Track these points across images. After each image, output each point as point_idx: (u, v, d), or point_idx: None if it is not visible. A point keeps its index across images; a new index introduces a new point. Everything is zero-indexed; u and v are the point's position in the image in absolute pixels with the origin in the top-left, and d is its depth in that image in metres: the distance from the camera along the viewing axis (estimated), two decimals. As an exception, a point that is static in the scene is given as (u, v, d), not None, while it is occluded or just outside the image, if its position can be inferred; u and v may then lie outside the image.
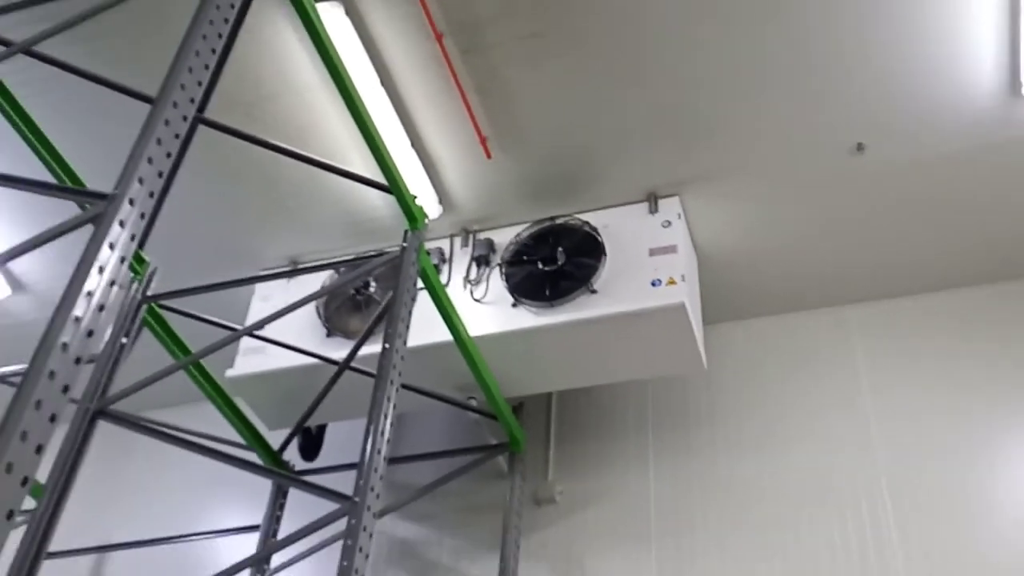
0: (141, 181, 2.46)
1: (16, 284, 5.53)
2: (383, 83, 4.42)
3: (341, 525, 3.25)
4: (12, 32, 3.45)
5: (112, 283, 2.31)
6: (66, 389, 2.13)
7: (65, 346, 2.12)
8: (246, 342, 4.85)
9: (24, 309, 5.70)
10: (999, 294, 5.13)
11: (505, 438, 5.08)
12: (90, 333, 2.23)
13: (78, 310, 2.19)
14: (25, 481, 1.99)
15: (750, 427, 5.10)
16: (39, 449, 2.04)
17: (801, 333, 5.36)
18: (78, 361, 2.19)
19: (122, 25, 4.02)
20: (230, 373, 4.82)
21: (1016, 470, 4.60)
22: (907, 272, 5.22)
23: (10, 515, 1.95)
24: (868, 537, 4.56)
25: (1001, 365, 4.90)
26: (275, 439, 5.10)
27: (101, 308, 2.27)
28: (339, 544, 4.47)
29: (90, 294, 2.23)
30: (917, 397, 4.92)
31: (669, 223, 4.76)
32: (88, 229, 2.41)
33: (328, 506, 3.38)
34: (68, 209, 4.04)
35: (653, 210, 4.84)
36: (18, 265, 5.41)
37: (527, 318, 4.60)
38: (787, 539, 4.66)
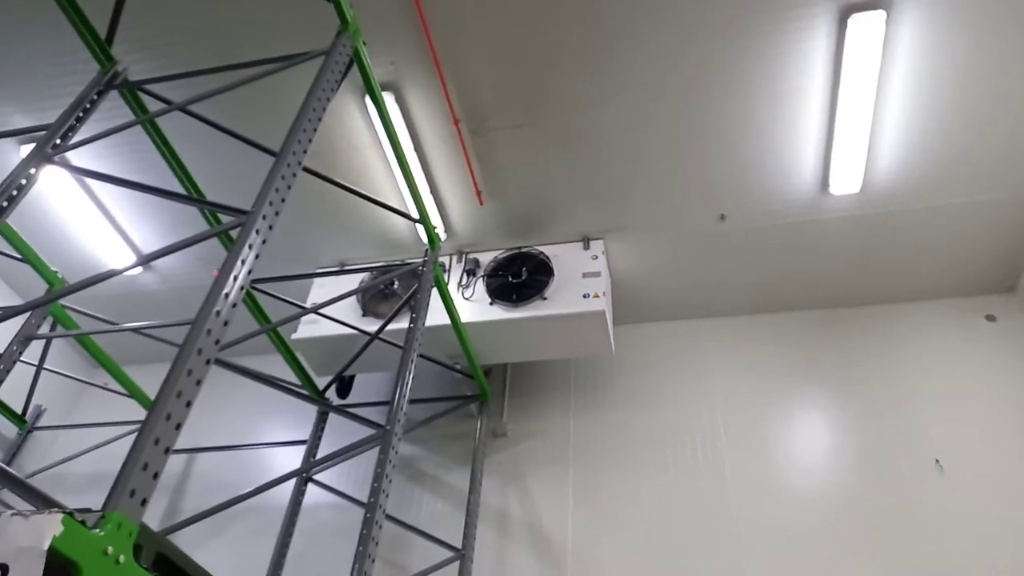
0: (271, 203, 2.49)
1: (146, 265, 5.42)
2: (416, 148, 4.47)
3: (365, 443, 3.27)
4: (170, 93, 3.44)
5: (249, 272, 2.33)
6: (217, 342, 2.16)
7: (218, 313, 2.16)
8: (307, 316, 4.83)
9: (149, 282, 5.58)
10: (804, 317, 5.30)
11: (477, 391, 5.12)
12: (234, 305, 2.27)
13: (227, 288, 2.22)
14: (189, 404, 2.01)
15: (638, 392, 5.18)
16: (198, 382, 2.06)
17: (675, 334, 5.44)
18: (226, 324, 2.22)
19: (248, 93, 4.02)
20: (295, 336, 4.78)
21: (799, 430, 4.77)
22: (745, 299, 5.33)
23: (178, 426, 1.97)
24: (711, 461, 4.70)
25: (799, 362, 5.06)
26: (320, 384, 5.08)
27: (241, 288, 2.30)
28: (361, 457, 4.52)
29: (236, 277, 2.26)
30: (744, 379, 5.05)
31: (596, 256, 4.83)
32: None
33: (358, 431, 3.36)
34: (189, 221, 4.00)
35: (586, 247, 4.91)
36: (147, 248, 5.29)
37: (499, 313, 4.64)
38: (658, 463, 4.75)
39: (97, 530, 1.53)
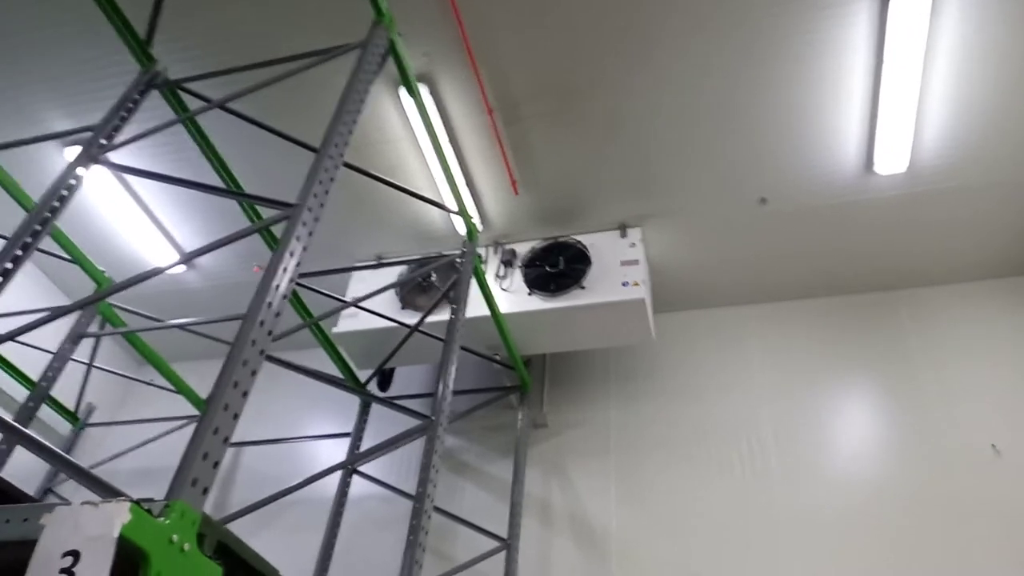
0: (315, 195, 2.51)
1: (189, 263, 5.51)
2: (450, 139, 4.46)
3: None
4: (205, 91, 3.49)
5: (298, 264, 2.35)
6: (270, 333, 2.18)
7: (270, 304, 2.18)
8: (347, 309, 4.88)
9: (191, 279, 5.67)
10: (849, 301, 5.19)
11: (517, 382, 5.11)
12: (284, 296, 2.28)
13: (277, 280, 2.24)
14: (245, 394, 2.04)
15: (679, 381, 5.13)
16: (253, 373, 2.09)
17: (716, 321, 5.37)
18: (277, 315, 2.24)
19: (286, 90, 4.06)
20: (336, 330, 4.82)
21: (844, 417, 4.68)
22: (787, 284, 5.23)
23: (235, 416, 2.00)
24: (755, 449, 4.65)
25: (845, 347, 4.97)
26: (361, 377, 5.12)
27: (291, 280, 2.32)
28: (405, 448, 4.56)
29: (285, 269, 2.28)
30: (788, 366, 4.98)
31: (634, 244, 4.78)
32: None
33: (399, 423, 3.37)
34: (228, 219, 4.04)
35: (623, 235, 4.86)
36: (190, 247, 5.35)
37: (538, 303, 4.62)
38: (701, 454, 4.71)
39: (163, 519, 1.56)
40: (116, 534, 1.41)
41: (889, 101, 4.01)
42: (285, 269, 2.25)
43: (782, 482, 4.47)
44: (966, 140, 4.18)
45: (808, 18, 3.75)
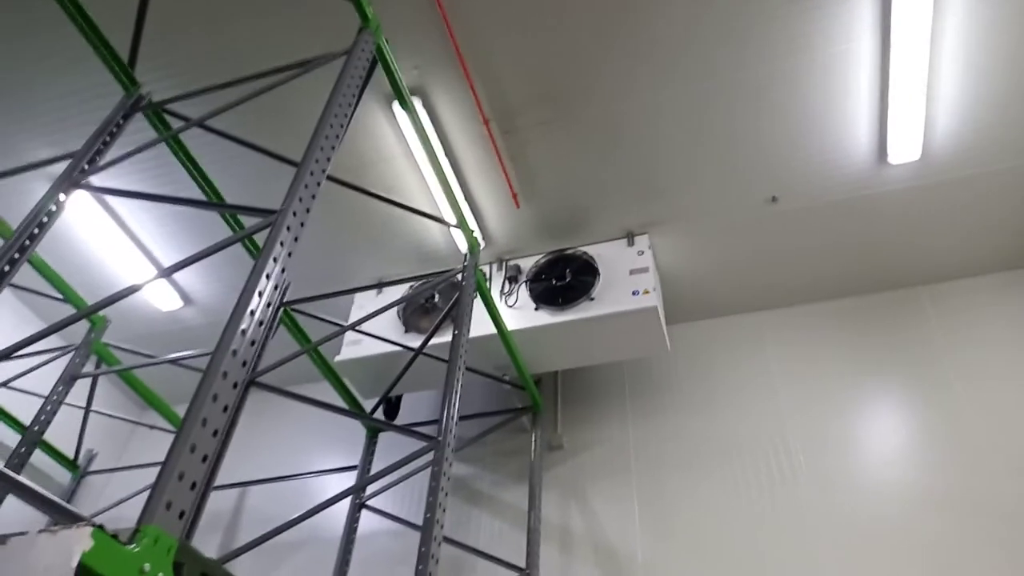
0: (300, 200, 2.37)
1: (186, 298, 5.36)
2: (446, 153, 4.36)
3: (418, 465, 3.07)
4: (190, 110, 3.41)
5: (276, 287, 2.16)
6: (244, 364, 2.00)
7: (244, 332, 2.00)
8: (349, 335, 4.74)
9: (190, 316, 5.53)
10: (871, 301, 5.02)
11: (529, 403, 4.94)
12: (260, 323, 2.09)
13: (252, 305, 2.06)
14: (215, 433, 1.84)
15: (698, 393, 4.95)
16: (226, 408, 1.89)
17: (732, 329, 5.20)
18: (252, 343, 2.04)
19: (274, 105, 3.99)
20: (338, 358, 4.68)
21: (872, 422, 4.47)
22: (804, 286, 5.07)
23: (215, 432, 1.83)
24: (782, 460, 4.45)
25: (870, 349, 4.79)
26: (367, 407, 4.98)
27: (268, 305, 2.13)
28: (414, 480, 4.40)
29: (261, 293, 2.10)
30: (811, 371, 4.79)
31: (642, 252, 4.64)
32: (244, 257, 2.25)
33: (409, 451, 3.20)
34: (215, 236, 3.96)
35: (630, 244, 4.73)
36: (187, 283, 5.27)
37: (546, 317, 4.46)
38: (726, 468, 4.51)
39: (132, 545, 1.39)
40: (75, 563, 1.25)
41: (899, 85, 3.88)
42: (260, 293, 2.06)
43: (814, 493, 4.25)
44: (980, 121, 4.04)
45: (808, 6, 3.65)
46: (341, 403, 4.81)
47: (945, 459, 4.16)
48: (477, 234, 4.76)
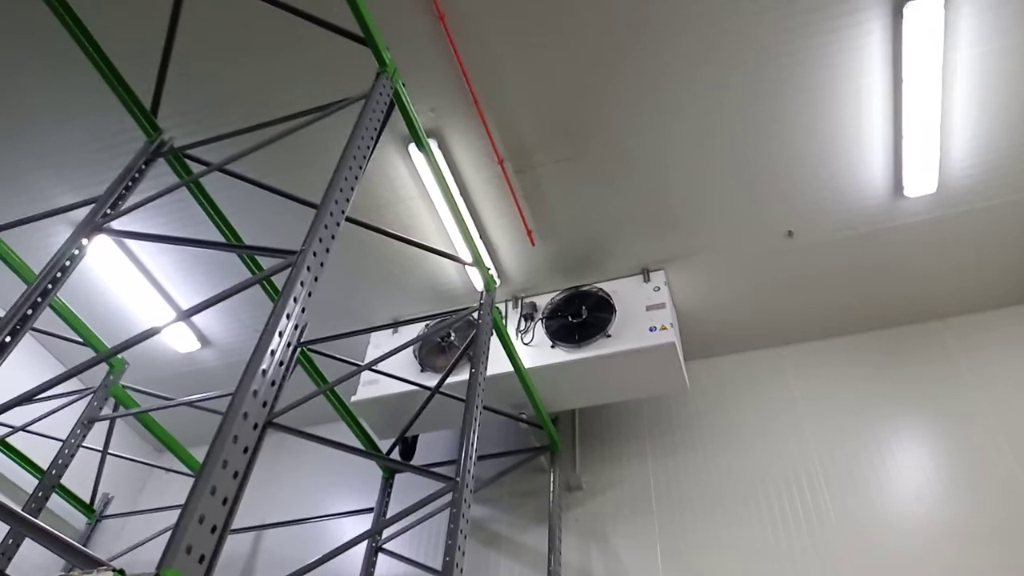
0: (320, 240, 2.39)
1: (203, 339, 5.39)
2: (461, 192, 4.40)
3: (435, 507, 2.99)
4: (209, 153, 3.47)
5: (296, 327, 2.15)
6: (264, 404, 1.99)
7: (264, 372, 2.00)
8: (365, 376, 4.73)
9: (207, 358, 5.56)
10: (892, 335, 4.97)
11: (546, 442, 4.88)
12: (281, 363, 2.09)
13: (272, 345, 2.05)
14: (236, 475, 1.82)
15: (719, 430, 4.88)
16: (246, 450, 1.87)
17: (752, 365, 5.15)
18: (273, 384, 2.04)
19: (294, 149, 4.05)
20: (355, 398, 4.66)
21: (900, 455, 4.39)
22: (824, 321, 5.03)
23: (236, 474, 1.82)
24: (808, 499, 4.37)
25: (894, 383, 4.72)
26: (383, 448, 4.94)
27: (288, 345, 2.13)
28: (431, 523, 4.33)
29: (281, 333, 2.10)
30: (834, 407, 4.73)
31: (658, 288, 4.63)
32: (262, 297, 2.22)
33: (425, 492, 3.16)
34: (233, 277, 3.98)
35: (646, 280, 4.71)
36: (205, 324, 5.30)
37: (562, 355, 4.44)
38: (751, 508, 4.43)
39: (152, 591, 1.38)
40: (95, 608, 1.24)
41: (912, 119, 3.90)
42: (281, 333, 2.07)
43: (843, 531, 4.15)
44: (996, 151, 4.04)
45: (821, 40, 3.68)
46: (357, 444, 4.77)
47: (975, 495, 4.06)
48: (493, 272, 4.77)
